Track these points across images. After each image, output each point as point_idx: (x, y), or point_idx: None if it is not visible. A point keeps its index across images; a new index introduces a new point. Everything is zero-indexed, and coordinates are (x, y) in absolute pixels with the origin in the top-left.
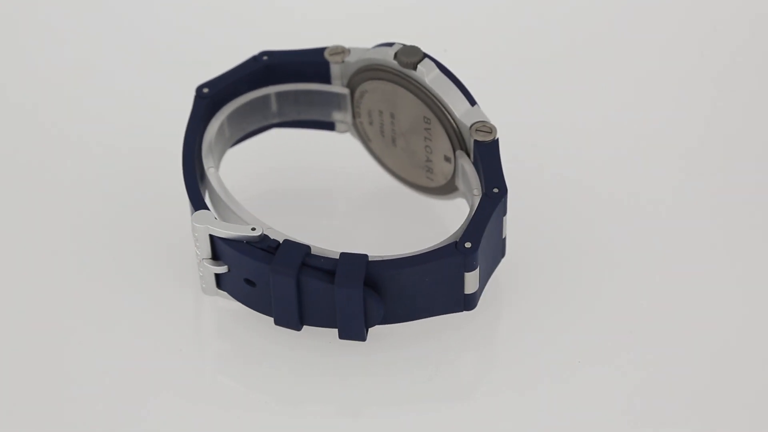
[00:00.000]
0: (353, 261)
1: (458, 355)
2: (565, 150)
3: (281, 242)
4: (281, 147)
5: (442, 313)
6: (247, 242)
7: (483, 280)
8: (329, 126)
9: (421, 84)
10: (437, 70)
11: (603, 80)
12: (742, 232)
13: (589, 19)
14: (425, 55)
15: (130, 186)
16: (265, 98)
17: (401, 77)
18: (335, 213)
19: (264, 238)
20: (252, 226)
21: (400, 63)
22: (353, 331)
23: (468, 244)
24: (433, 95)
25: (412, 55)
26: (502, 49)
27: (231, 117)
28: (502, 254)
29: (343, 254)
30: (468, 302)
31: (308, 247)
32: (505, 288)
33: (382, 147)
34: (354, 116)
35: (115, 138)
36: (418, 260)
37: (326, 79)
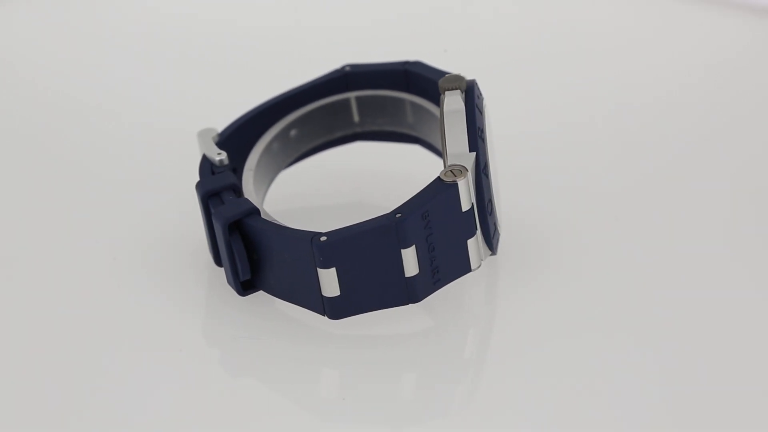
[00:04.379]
0: (240, 204)
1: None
2: (564, 153)
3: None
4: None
5: (307, 308)
6: (210, 162)
7: (354, 297)
8: None
9: (442, 114)
10: (459, 105)
11: (603, 80)
12: (744, 224)
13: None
14: (462, 88)
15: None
16: (400, 102)
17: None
18: None
19: (222, 164)
20: (219, 151)
21: (440, 89)
22: (230, 277)
23: (323, 238)
24: (444, 127)
25: (448, 83)
26: (503, 47)
27: (362, 102)
28: (411, 298)
29: (242, 197)
30: (328, 307)
31: (237, 186)
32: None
33: None
34: None
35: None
36: (278, 230)
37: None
